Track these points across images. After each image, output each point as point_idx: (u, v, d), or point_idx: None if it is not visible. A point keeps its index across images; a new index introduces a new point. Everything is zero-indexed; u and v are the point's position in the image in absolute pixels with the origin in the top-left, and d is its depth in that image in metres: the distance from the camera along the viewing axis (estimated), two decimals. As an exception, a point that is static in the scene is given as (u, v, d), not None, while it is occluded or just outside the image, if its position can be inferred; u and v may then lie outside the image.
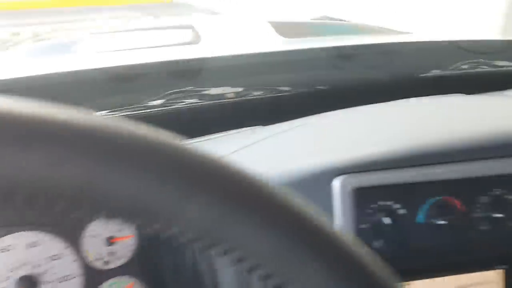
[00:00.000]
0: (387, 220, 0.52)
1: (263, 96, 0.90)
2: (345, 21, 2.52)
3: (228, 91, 0.86)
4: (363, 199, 0.52)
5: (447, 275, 0.55)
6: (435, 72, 1.02)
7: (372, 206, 0.52)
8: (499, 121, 0.60)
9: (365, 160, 0.52)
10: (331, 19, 2.57)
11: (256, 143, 0.63)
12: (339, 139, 0.60)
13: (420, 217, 0.54)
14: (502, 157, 0.54)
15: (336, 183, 0.51)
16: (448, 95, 0.89)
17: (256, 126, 0.73)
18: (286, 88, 0.93)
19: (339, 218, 0.52)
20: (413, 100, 0.80)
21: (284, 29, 1.13)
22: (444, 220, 0.53)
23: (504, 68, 1.03)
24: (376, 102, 0.84)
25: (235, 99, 0.86)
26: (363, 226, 0.52)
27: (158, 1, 5.89)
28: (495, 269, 0.55)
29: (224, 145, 0.65)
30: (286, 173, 0.53)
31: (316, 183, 0.52)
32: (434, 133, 0.57)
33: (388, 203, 0.53)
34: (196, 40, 1.03)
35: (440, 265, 0.55)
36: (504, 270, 0.55)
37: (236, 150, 0.61)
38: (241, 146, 0.62)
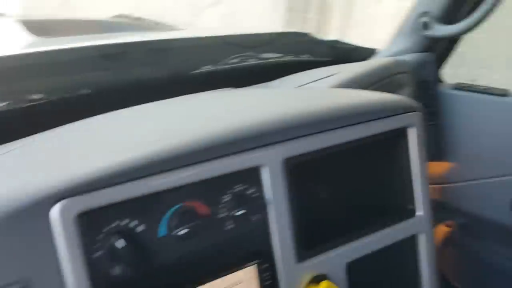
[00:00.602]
0: (124, 242, 0.46)
1: (7, 108, 0.77)
2: (140, 19, 2.43)
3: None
4: (92, 223, 0.45)
5: (203, 284, 0.52)
6: (207, 67, 1.01)
7: (104, 229, 0.46)
8: (243, 116, 0.59)
9: (88, 178, 0.45)
10: (127, 17, 2.47)
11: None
12: (64, 156, 0.52)
13: (162, 230, 0.49)
14: (240, 151, 0.53)
15: (55, 211, 0.43)
16: (214, 90, 0.88)
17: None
18: (38, 96, 0.81)
19: (64, 252, 0.43)
20: (170, 100, 0.76)
21: (41, 28, 1.00)
22: (188, 228, 0.49)
23: (270, 60, 1.07)
24: (147, 103, 0.78)
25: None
26: (97, 254, 0.45)
27: None
28: (248, 266, 0.54)
29: None
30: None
31: (33, 213, 0.43)
32: (171, 136, 0.53)
33: (124, 222, 0.47)
34: None
35: (193, 276, 0.51)
36: (256, 265, 0.54)
37: None
38: None
